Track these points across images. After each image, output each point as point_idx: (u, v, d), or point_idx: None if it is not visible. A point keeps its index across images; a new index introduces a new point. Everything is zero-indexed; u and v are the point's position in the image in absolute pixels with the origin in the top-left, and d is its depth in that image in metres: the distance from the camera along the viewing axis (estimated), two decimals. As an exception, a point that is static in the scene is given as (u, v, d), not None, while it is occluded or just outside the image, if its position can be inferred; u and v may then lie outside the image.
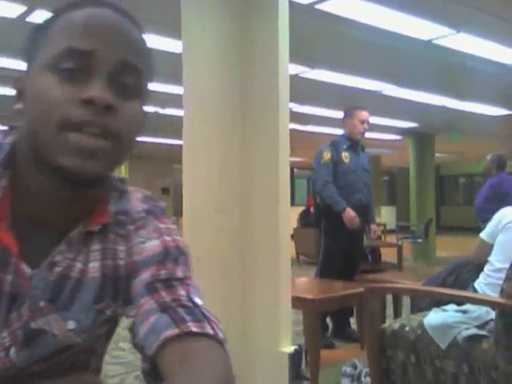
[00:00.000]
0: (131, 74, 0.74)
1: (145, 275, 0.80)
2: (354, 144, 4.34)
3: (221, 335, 0.74)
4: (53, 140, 0.69)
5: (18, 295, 0.76)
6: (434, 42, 4.82)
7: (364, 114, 4.31)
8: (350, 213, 4.10)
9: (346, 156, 4.26)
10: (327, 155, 4.21)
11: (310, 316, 3.31)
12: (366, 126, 4.31)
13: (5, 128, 0.83)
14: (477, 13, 4.20)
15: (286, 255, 2.77)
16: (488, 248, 2.78)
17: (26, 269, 0.76)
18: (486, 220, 3.00)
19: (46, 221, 0.78)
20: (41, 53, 0.73)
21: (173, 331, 0.71)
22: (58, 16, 0.75)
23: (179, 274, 0.81)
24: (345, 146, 4.29)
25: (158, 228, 0.85)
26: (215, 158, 2.69)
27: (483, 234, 2.86)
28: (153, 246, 0.83)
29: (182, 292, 0.78)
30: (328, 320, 4.40)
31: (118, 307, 0.83)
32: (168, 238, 0.84)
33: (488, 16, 4.28)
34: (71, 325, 0.80)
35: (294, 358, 2.82)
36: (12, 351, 0.77)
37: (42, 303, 0.78)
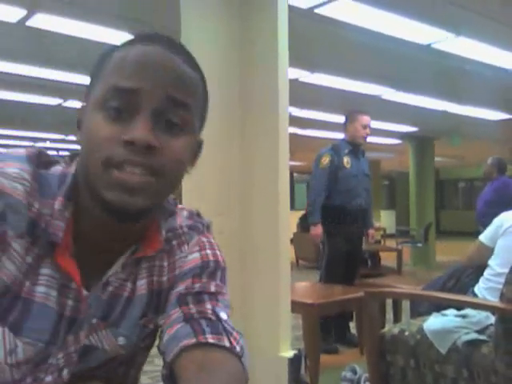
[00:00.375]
0: (177, 110, 0.74)
1: (180, 287, 0.83)
2: (355, 148, 4.32)
3: (238, 349, 0.76)
4: (99, 175, 0.72)
5: (77, 319, 0.79)
6: (434, 46, 4.82)
7: (366, 119, 4.30)
8: (318, 229, 4.16)
9: (347, 161, 4.24)
10: (325, 160, 4.19)
11: (309, 320, 3.30)
12: (368, 130, 4.30)
13: (67, 154, 0.85)
14: (476, 17, 4.21)
15: (285, 259, 2.76)
16: (487, 251, 2.77)
17: (84, 292, 0.79)
18: (488, 225, 3.00)
19: (100, 247, 0.80)
20: (96, 88, 0.75)
21: (190, 340, 0.74)
22: (113, 51, 0.76)
23: (212, 288, 0.83)
24: (346, 151, 4.26)
25: (200, 242, 0.89)
26: (215, 160, 2.69)
27: (483, 237, 2.86)
28: (193, 259, 0.86)
29: (209, 306, 0.80)
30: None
31: (158, 319, 0.86)
32: (208, 252, 0.88)
33: (487, 20, 4.29)
34: (121, 341, 0.83)
35: (294, 362, 2.82)
36: (65, 372, 0.80)
37: (94, 320, 0.81)
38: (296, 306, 3.06)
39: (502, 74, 5.82)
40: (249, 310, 2.75)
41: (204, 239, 0.89)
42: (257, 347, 2.70)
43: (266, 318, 2.72)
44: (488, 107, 7.88)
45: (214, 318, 0.78)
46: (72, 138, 10.68)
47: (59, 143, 11.38)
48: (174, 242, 0.87)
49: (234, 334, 0.78)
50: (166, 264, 0.86)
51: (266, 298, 2.71)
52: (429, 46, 4.82)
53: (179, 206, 0.92)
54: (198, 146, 0.83)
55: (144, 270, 0.84)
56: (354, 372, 3.16)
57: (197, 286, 0.82)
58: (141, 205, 0.72)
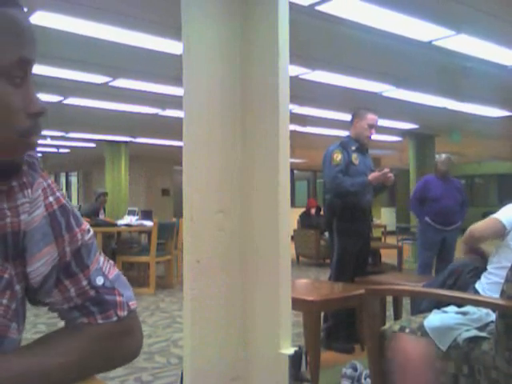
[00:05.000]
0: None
1: (49, 254, 0.78)
2: (362, 145, 4.34)
3: (124, 314, 0.81)
4: (11, 143, 0.73)
5: None
6: (435, 43, 4.82)
7: (373, 118, 4.33)
8: (375, 174, 4.15)
9: (355, 157, 4.23)
10: (338, 156, 4.15)
11: (310, 317, 3.31)
12: (373, 130, 4.34)
13: None
14: (477, 14, 4.20)
15: (286, 256, 2.76)
16: (503, 231, 2.73)
17: None
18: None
19: None
20: None
21: (83, 320, 0.80)
22: None
23: (78, 243, 0.80)
24: (353, 148, 4.26)
25: (41, 186, 0.80)
26: (215, 158, 2.69)
27: (503, 219, 2.76)
28: (38, 216, 0.78)
29: (84, 282, 0.80)
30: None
31: (13, 268, 0.76)
32: (51, 199, 0.80)
33: (488, 17, 4.28)
34: None
35: (294, 359, 2.82)
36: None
37: None
38: (296, 303, 3.06)
39: (503, 71, 5.81)
40: (249, 307, 2.75)
41: (44, 183, 0.81)
42: (257, 344, 2.70)
43: (267, 314, 2.72)
44: (489, 104, 7.87)
45: (93, 293, 0.80)
46: (73, 135, 10.69)
47: (60, 140, 11.38)
48: (15, 183, 0.77)
49: (117, 298, 0.81)
50: (5, 206, 0.75)
51: (267, 294, 2.71)
52: (430, 43, 4.81)
53: None
54: None
55: None
56: (355, 369, 3.17)
57: (67, 251, 0.79)
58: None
